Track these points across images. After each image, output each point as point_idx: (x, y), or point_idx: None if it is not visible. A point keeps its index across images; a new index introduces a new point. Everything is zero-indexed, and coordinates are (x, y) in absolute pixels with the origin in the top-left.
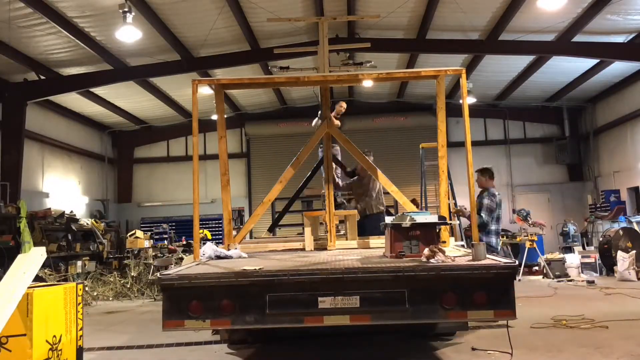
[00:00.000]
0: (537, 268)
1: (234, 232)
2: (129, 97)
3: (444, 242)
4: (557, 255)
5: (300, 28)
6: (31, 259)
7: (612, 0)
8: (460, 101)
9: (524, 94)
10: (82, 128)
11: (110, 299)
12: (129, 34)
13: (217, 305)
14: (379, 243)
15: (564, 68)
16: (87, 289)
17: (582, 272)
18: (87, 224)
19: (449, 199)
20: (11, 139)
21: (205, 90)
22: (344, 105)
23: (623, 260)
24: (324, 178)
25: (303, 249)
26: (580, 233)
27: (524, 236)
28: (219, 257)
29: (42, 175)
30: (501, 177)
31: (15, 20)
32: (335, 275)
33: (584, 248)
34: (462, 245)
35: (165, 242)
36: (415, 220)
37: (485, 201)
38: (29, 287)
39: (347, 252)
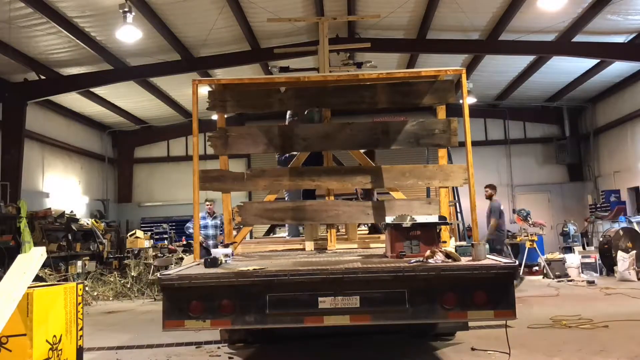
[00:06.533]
0: (537, 268)
1: (234, 232)
2: (129, 97)
3: (444, 242)
4: (557, 255)
5: (301, 28)
6: (31, 259)
7: (612, 0)
8: (461, 101)
9: (524, 94)
10: (82, 128)
11: (110, 299)
12: (129, 34)
13: (217, 305)
14: (379, 243)
15: (564, 68)
16: (87, 289)
17: (582, 272)
18: (87, 223)
19: (450, 199)
20: (11, 139)
21: (205, 90)
22: None
23: (623, 260)
24: None
25: (303, 249)
26: (581, 233)
27: (524, 236)
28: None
29: (42, 175)
30: (501, 177)
31: (16, 20)
32: (336, 275)
33: (584, 248)
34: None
35: (165, 242)
36: (415, 221)
37: None
38: (29, 287)
39: (347, 252)
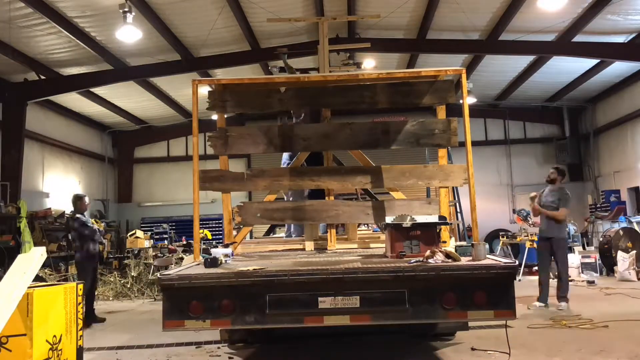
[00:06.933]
0: (537, 268)
1: (234, 232)
2: (129, 97)
3: (444, 242)
4: None
5: (301, 28)
6: (31, 259)
7: (612, 0)
8: (461, 101)
9: (524, 94)
10: (82, 128)
11: (111, 299)
12: (129, 34)
13: (217, 305)
14: (379, 243)
15: (564, 68)
16: None
17: (583, 272)
18: None
19: (450, 199)
20: (11, 139)
21: (205, 90)
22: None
23: (623, 260)
24: None
25: (303, 249)
26: (581, 233)
27: (524, 236)
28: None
29: (42, 175)
30: (501, 177)
31: (16, 20)
32: (336, 275)
33: (584, 248)
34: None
35: (166, 242)
36: (415, 221)
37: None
38: (29, 287)
39: (347, 252)
